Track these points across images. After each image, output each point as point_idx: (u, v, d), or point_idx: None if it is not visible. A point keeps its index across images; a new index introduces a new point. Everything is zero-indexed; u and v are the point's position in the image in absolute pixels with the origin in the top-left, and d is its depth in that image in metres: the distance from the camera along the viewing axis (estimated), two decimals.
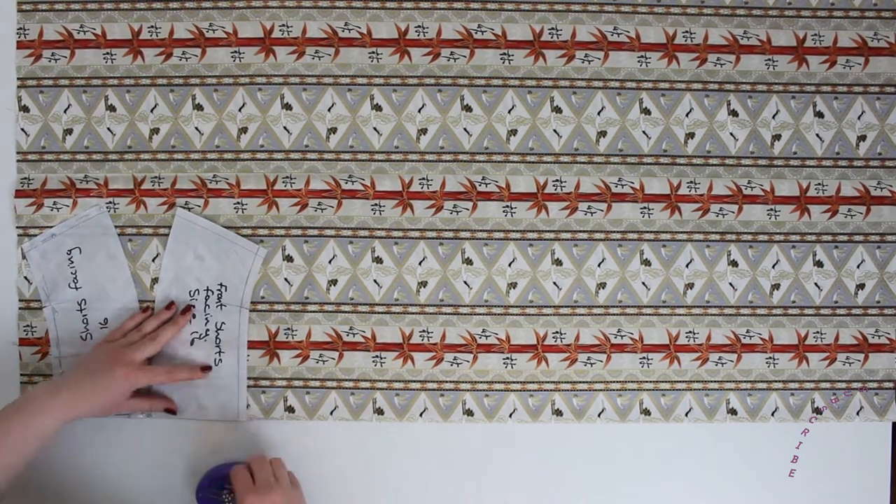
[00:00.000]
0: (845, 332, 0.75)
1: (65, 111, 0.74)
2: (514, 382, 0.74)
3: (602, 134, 0.74)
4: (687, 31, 0.74)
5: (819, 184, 0.75)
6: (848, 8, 0.75)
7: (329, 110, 0.74)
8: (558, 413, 0.74)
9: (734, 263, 0.75)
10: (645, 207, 0.74)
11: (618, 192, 0.74)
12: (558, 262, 0.74)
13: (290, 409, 0.74)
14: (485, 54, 0.74)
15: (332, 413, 0.74)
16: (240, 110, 0.74)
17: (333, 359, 0.74)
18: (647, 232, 0.74)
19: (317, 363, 0.74)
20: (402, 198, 0.74)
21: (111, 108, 0.74)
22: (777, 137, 0.75)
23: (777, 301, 0.75)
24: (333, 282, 0.74)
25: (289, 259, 0.74)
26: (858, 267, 0.75)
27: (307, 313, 0.74)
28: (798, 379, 0.75)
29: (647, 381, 0.75)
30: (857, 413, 0.75)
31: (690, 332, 0.75)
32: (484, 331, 0.74)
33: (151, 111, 0.74)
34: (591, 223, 0.74)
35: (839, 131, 0.75)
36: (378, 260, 0.74)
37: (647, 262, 0.74)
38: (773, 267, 0.75)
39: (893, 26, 0.75)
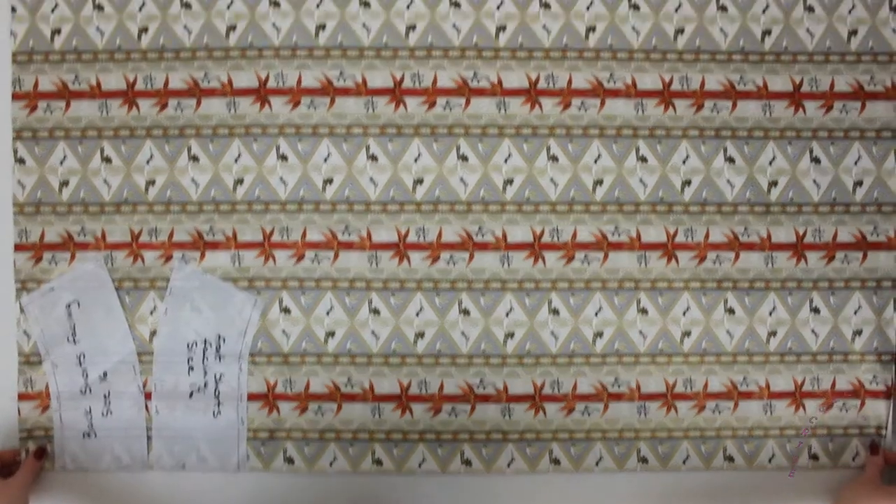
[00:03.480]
0: (842, 379, 0.75)
1: (61, 163, 0.74)
2: (512, 433, 0.75)
3: (599, 182, 0.74)
4: (683, 77, 0.74)
5: (816, 230, 0.75)
6: (844, 52, 0.74)
7: (325, 161, 0.74)
8: (556, 462, 0.74)
9: (731, 311, 0.75)
10: (642, 256, 0.74)
11: (614, 241, 0.74)
12: (555, 312, 0.74)
13: (290, 461, 0.74)
14: (480, 102, 0.74)
15: (331, 464, 0.74)
16: (235, 161, 0.74)
17: (332, 410, 0.74)
18: (644, 280, 0.74)
19: (315, 415, 0.74)
20: (398, 249, 0.74)
21: (107, 160, 0.74)
22: (774, 184, 0.75)
23: (774, 348, 0.75)
24: (331, 333, 0.74)
25: (286, 311, 0.74)
26: (855, 313, 0.75)
27: (305, 365, 0.74)
28: (795, 426, 0.75)
29: (644, 430, 0.75)
30: (853, 459, 0.75)
31: (687, 380, 0.75)
32: (482, 381, 0.74)
33: (147, 163, 0.74)
34: (587, 272, 0.74)
35: (836, 177, 0.75)
36: (375, 311, 0.74)
37: (643, 311, 0.74)
38: (770, 314, 0.75)
39: (889, 70, 0.74)
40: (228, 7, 0.73)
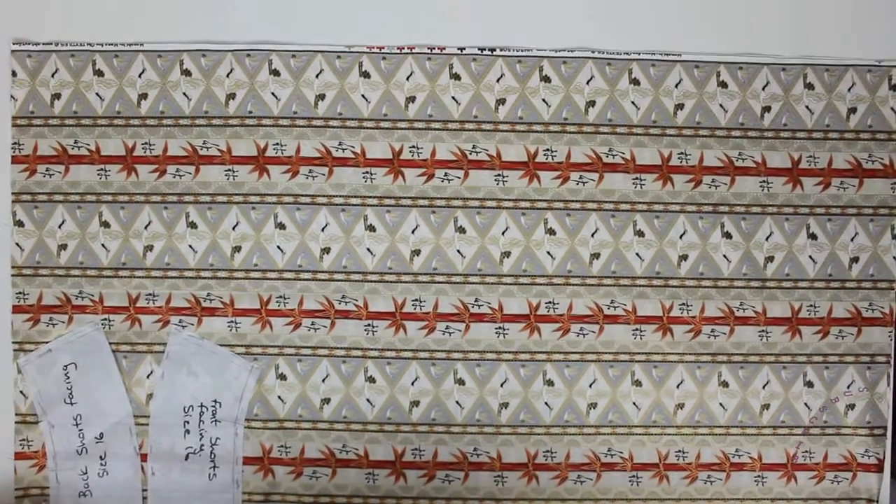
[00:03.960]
0: (834, 452, 0.76)
1: (59, 226, 0.74)
2: (505, 500, 0.75)
3: (595, 256, 0.74)
4: (682, 153, 0.74)
5: (811, 305, 0.75)
6: (843, 130, 0.74)
7: (323, 230, 0.74)
8: None
9: (725, 384, 0.75)
10: (637, 329, 0.75)
11: (610, 314, 0.75)
12: (550, 383, 0.75)
13: None
14: (479, 175, 0.74)
15: None
16: (233, 229, 0.74)
17: (327, 475, 0.75)
18: (639, 353, 0.75)
19: (310, 479, 0.75)
20: (394, 318, 0.74)
21: (105, 225, 0.74)
22: (770, 259, 0.75)
23: (767, 421, 0.76)
24: (327, 400, 0.75)
25: (282, 377, 0.75)
26: (849, 387, 0.76)
27: (301, 430, 0.75)
28: (786, 497, 0.76)
29: (636, 499, 0.75)
30: None
31: (680, 451, 0.75)
32: (475, 449, 0.75)
33: (145, 228, 0.74)
34: (583, 344, 0.75)
35: (832, 253, 0.75)
36: (371, 379, 0.75)
37: (638, 383, 0.75)
38: (764, 387, 0.75)
39: (888, 148, 0.75)
40: (228, 75, 0.73)
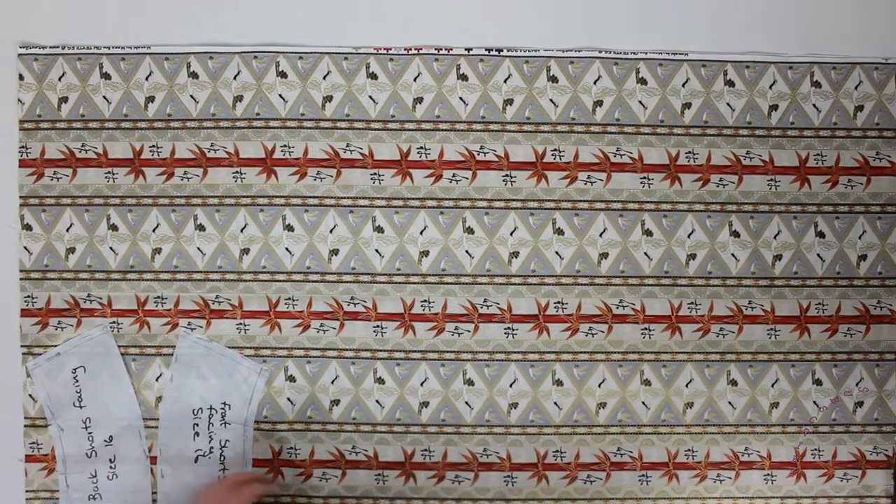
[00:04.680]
0: (843, 449, 0.76)
1: (67, 230, 0.74)
2: (515, 500, 0.75)
3: (604, 255, 0.74)
4: (690, 152, 0.74)
5: (819, 303, 0.75)
6: (850, 127, 0.74)
7: (331, 232, 0.74)
8: None
9: (734, 383, 0.75)
10: (646, 328, 0.75)
11: (619, 314, 0.75)
12: (559, 383, 0.75)
13: None
14: (487, 175, 0.74)
15: None
16: (241, 231, 0.74)
17: (336, 477, 0.75)
18: (648, 352, 0.75)
19: (320, 481, 0.75)
20: (403, 319, 0.74)
21: (113, 228, 0.74)
22: (778, 257, 0.75)
23: (776, 419, 0.76)
24: (336, 402, 0.75)
25: (291, 379, 0.75)
26: (857, 385, 0.76)
27: (310, 432, 0.75)
28: (795, 496, 0.76)
29: (645, 499, 0.76)
30: None
31: (689, 450, 0.75)
32: (485, 449, 0.75)
33: (153, 231, 0.74)
34: (591, 344, 0.75)
35: (840, 251, 0.75)
36: (380, 380, 0.75)
37: (647, 382, 0.75)
38: (773, 386, 0.75)
39: (895, 145, 0.75)
40: (235, 77, 0.73)
